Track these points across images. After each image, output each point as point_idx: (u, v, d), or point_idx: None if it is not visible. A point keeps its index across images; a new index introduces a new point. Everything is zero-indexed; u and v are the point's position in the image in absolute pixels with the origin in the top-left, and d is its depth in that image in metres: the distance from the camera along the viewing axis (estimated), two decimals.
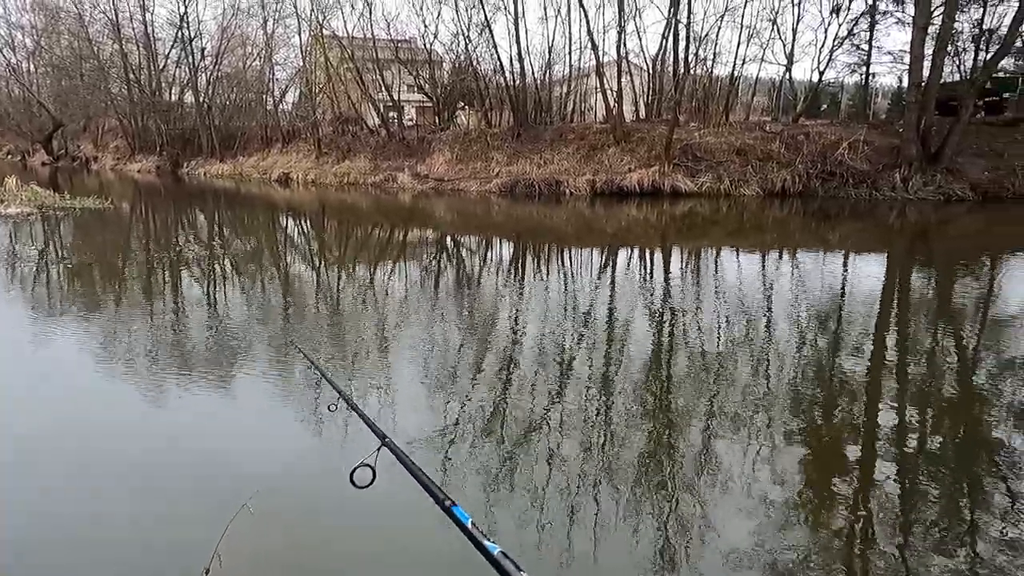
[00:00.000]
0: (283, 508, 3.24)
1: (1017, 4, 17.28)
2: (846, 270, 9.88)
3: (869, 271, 10.11)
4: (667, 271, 9.94)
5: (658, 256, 11.25)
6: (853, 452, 3.92)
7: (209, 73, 34.49)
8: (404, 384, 4.94)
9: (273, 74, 33.27)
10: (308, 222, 16.60)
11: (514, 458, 3.75)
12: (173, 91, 37.29)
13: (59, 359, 5.57)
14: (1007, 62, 22.49)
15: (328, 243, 13.29)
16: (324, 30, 28.33)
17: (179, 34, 33.92)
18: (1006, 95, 23.35)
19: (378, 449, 1.57)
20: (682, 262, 10.71)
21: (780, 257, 10.91)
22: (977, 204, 16.73)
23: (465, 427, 4.14)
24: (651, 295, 8.00)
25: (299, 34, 30.44)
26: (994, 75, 20.72)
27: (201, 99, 34.13)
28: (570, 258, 11.17)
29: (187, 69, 34.90)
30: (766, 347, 5.91)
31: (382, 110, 28.78)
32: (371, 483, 1.49)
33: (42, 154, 42.02)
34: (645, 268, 10.23)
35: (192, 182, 29.41)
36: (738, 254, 11.20)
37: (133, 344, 5.92)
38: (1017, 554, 2.86)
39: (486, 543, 1.13)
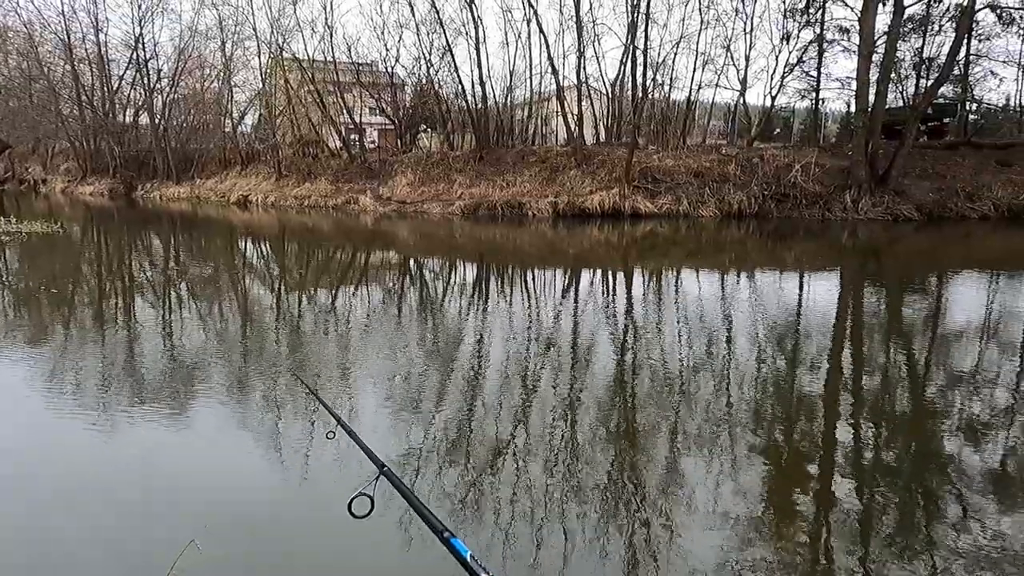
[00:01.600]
0: (279, 536, 3.15)
1: (954, 34, 18.23)
2: (802, 289, 10.14)
3: (823, 289, 10.40)
4: (629, 292, 10.05)
5: (620, 277, 11.38)
6: (812, 467, 3.99)
7: (165, 95, 33.89)
8: (373, 410, 4.86)
9: (232, 96, 32.89)
10: (270, 246, 16.33)
11: (477, 476, 3.71)
12: (127, 113, 36.51)
13: (22, 392, 5.32)
14: (946, 89, 23.62)
15: (292, 267, 13.08)
16: (284, 53, 28.18)
17: (134, 55, 33.31)
18: (946, 120, 24.51)
19: (376, 478, 1.55)
20: (644, 283, 10.86)
21: (738, 277, 11.15)
22: (923, 224, 17.40)
23: (436, 448, 4.09)
24: (614, 316, 8.07)
25: (259, 56, 30.21)
26: (935, 101, 21.73)
27: (156, 121, 33.48)
28: (534, 280, 11.21)
29: (142, 91, 34.23)
30: (727, 366, 6.00)
31: (343, 133, 28.67)
32: (369, 512, 1.47)
33: None
34: (608, 289, 10.33)
35: (147, 205, 28.72)
36: (698, 274, 11.40)
37: (110, 372, 5.70)
38: (971, 563, 2.93)
39: None
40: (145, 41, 32.86)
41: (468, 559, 1.17)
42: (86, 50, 34.36)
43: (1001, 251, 14.30)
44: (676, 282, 10.79)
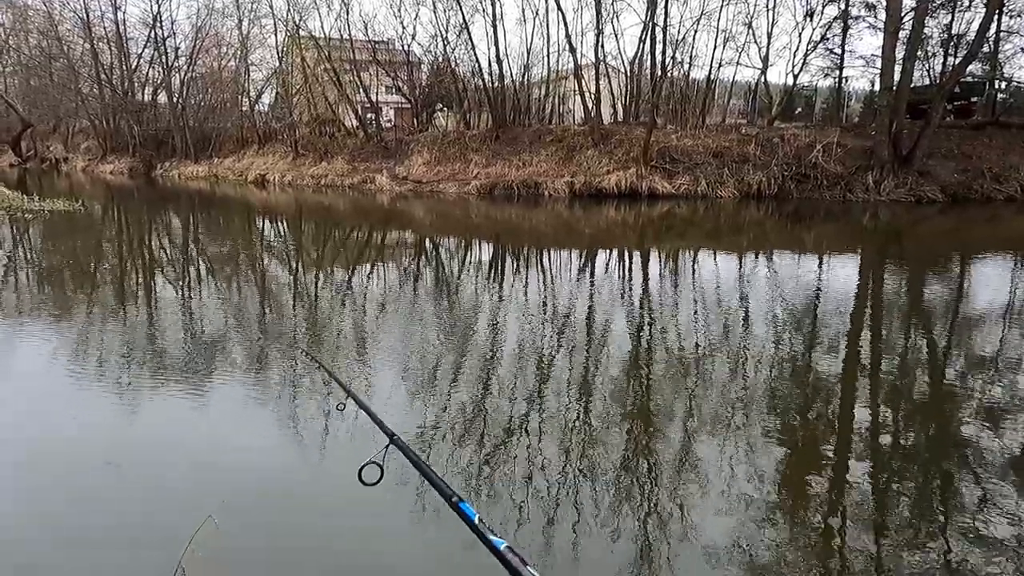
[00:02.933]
0: (288, 506, 3.22)
1: (984, 10, 17.71)
2: (821, 271, 10.01)
3: (844, 272, 10.26)
4: (646, 273, 9.99)
5: (637, 258, 11.31)
6: (829, 449, 3.96)
7: (183, 73, 34.02)
8: (389, 385, 4.90)
9: (248, 75, 32.94)
10: (287, 225, 16.42)
11: (490, 452, 3.73)
12: (146, 91, 36.73)
13: (48, 368, 5.43)
14: (975, 67, 23.00)
15: (311, 245, 13.15)
16: (301, 31, 28.09)
17: (152, 33, 33.43)
18: (974, 99, 23.90)
19: (387, 446, 1.59)
20: (661, 264, 10.78)
21: (757, 259, 11.03)
22: (947, 206, 17.07)
23: (450, 424, 4.11)
24: (631, 297, 8.04)
25: (275, 34, 30.17)
26: (962, 79, 21.19)
27: (175, 100, 33.66)
28: (550, 260, 11.18)
29: (160, 69, 34.40)
30: (745, 347, 5.96)
31: (360, 111, 28.63)
32: (379, 480, 1.51)
33: (10, 155, 41.11)
34: (625, 270, 10.28)
35: (166, 184, 28.96)
36: (715, 256, 11.29)
37: (130, 347, 5.79)
38: (987, 548, 2.90)
39: (492, 538, 1.13)
40: (163, 19, 32.99)
41: (476, 522, 1.19)
42: (105, 28, 34.59)
43: None
44: (693, 264, 10.70)
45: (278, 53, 30.81)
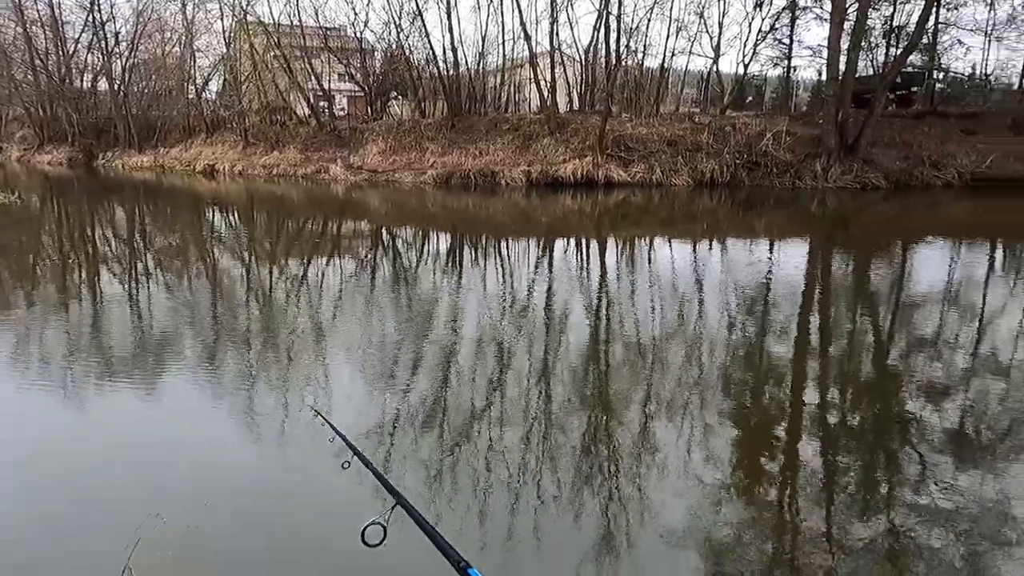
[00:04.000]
0: (287, 566, 2.92)
1: (923, 2, 18.34)
2: (772, 257, 10.27)
3: (793, 258, 10.55)
4: (603, 261, 10.09)
5: (594, 246, 11.40)
6: (780, 429, 4.08)
7: (124, 59, 32.67)
8: (347, 379, 4.83)
9: (195, 61, 31.85)
10: (238, 216, 15.99)
11: (451, 442, 3.73)
12: (85, 78, 35.19)
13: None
14: (915, 57, 23.84)
15: (262, 238, 12.84)
16: (248, 16, 27.28)
17: (90, 17, 31.98)
18: (914, 89, 24.80)
19: (392, 508, 1.54)
20: (617, 252, 10.89)
21: (710, 246, 11.25)
22: (890, 192, 17.70)
23: (410, 417, 4.09)
24: (588, 285, 8.10)
25: (221, 19, 29.22)
26: (903, 70, 21.94)
27: (116, 87, 32.31)
28: (508, 250, 11.18)
29: (100, 55, 32.96)
30: (698, 332, 6.08)
31: (312, 99, 28.01)
32: (382, 541, 1.47)
33: None
34: (582, 258, 10.35)
35: (109, 174, 27.87)
36: (670, 243, 11.47)
37: (71, 350, 5.56)
38: (929, 517, 3.04)
39: None
40: (101, 3, 31.56)
41: None
42: (38, 11, 32.95)
43: (964, 219, 14.63)
44: (649, 251, 10.85)
45: (225, 39, 29.90)
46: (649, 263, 9.75)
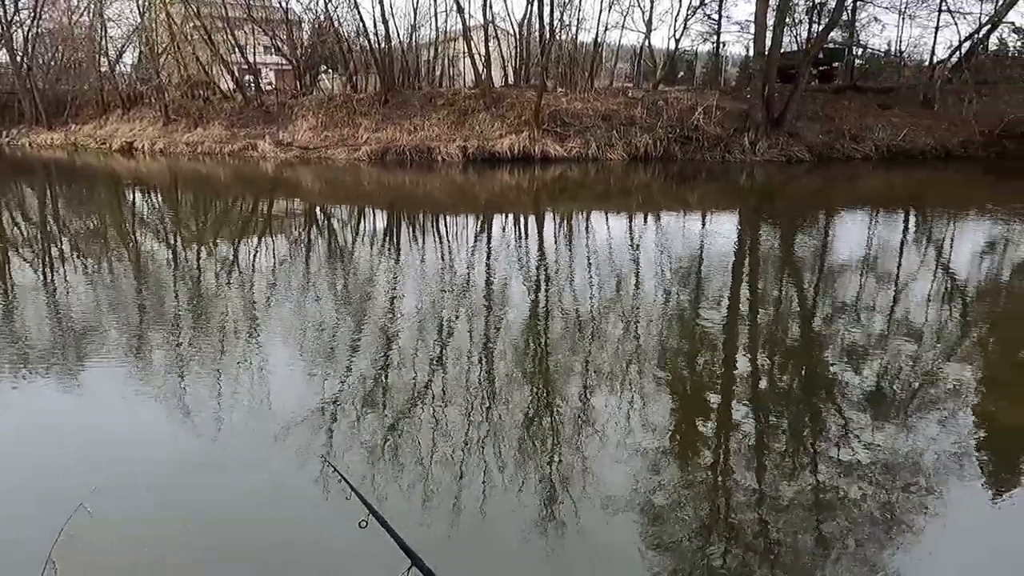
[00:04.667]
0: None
1: None
2: (704, 229, 10.57)
3: (723, 229, 10.89)
4: (541, 236, 10.15)
5: (532, 221, 11.45)
6: (714, 396, 4.25)
7: (26, 29, 30.35)
8: (286, 363, 4.72)
9: (106, 31, 29.85)
10: (160, 197, 15.24)
11: (393, 420, 3.72)
12: None
13: None
14: (835, 34, 24.73)
15: (187, 220, 12.29)
16: None
17: None
18: (835, 64, 25.77)
19: (408, 569, 1.52)
20: (555, 227, 10.98)
21: (645, 219, 11.47)
22: (814, 165, 18.44)
23: (351, 397, 4.04)
24: (526, 260, 8.15)
25: None
26: (825, 46, 22.74)
27: (18, 58, 30.05)
28: (446, 227, 11.09)
29: None
30: (635, 304, 6.22)
31: (237, 73, 26.79)
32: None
33: None
34: (520, 234, 10.38)
35: (15, 154, 26.04)
36: (607, 217, 11.64)
37: None
38: (850, 472, 3.24)
39: None
40: None
41: None
42: None
43: (880, 190, 15.40)
44: (586, 225, 10.98)
45: (139, 8, 28.15)
46: (587, 237, 9.87)
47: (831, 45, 24.71)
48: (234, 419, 3.82)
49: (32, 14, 30.24)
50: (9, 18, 29.85)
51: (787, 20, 21.46)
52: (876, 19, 26.86)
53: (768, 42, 19.30)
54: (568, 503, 3.03)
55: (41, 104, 29.34)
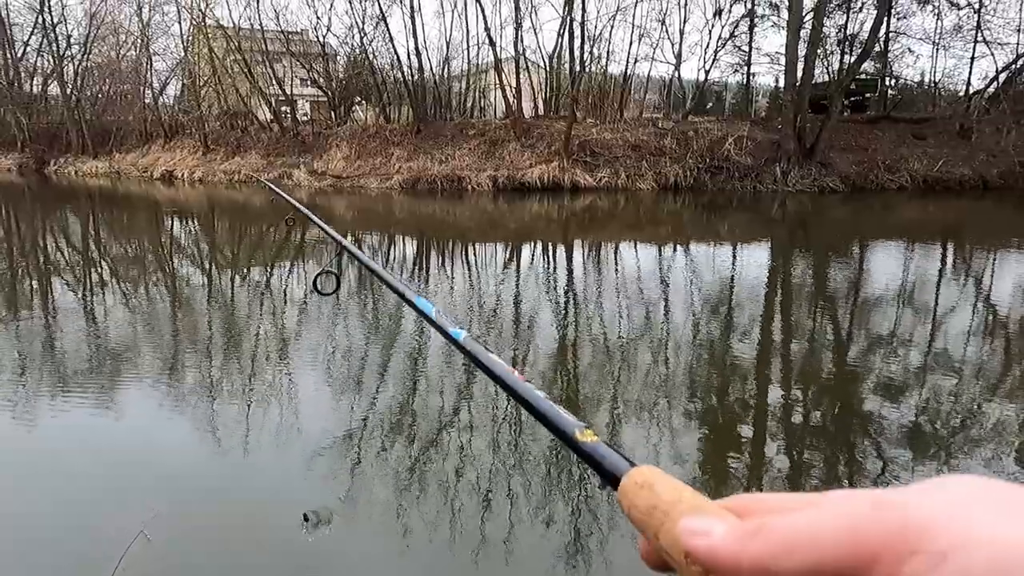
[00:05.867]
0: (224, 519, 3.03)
1: (875, 12, 18.94)
2: (735, 259, 10.46)
3: (756, 259, 10.76)
4: (570, 265, 10.14)
5: (561, 250, 11.46)
6: (747, 430, 4.15)
7: (77, 63, 31.76)
8: (313, 388, 4.76)
9: (151, 65, 31.12)
10: (199, 223, 15.64)
11: (422, 449, 3.70)
12: (35, 82, 34.09)
13: None
14: (868, 65, 24.58)
15: (223, 245, 12.58)
16: (208, 19, 26.78)
17: (40, 19, 31.02)
18: (868, 95, 25.56)
19: (338, 253, 1.57)
20: (584, 256, 10.97)
21: (675, 249, 11.40)
22: (847, 195, 18.19)
23: (381, 425, 4.05)
24: (556, 289, 8.14)
25: (179, 22, 28.64)
26: (857, 77, 22.61)
27: (68, 91, 31.39)
28: (476, 255, 11.16)
29: (51, 58, 31.98)
30: (665, 334, 6.15)
31: (274, 104, 27.61)
32: (336, 290, 1.49)
33: None
34: (549, 262, 10.39)
35: (62, 182, 27.03)
36: (636, 247, 11.60)
37: (34, 362, 5.35)
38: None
39: (451, 330, 1.05)
40: (51, 4, 30.65)
41: (433, 316, 1.13)
42: None
43: (917, 220, 15.11)
44: (615, 254, 10.95)
45: (183, 42, 29.31)
46: (617, 265, 9.84)
47: (863, 76, 24.55)
48: (293, 448, 3.85)
49: (83, 49, 31.66)
50: (61, 53, 31.29)
51: (818, 51, 21.41)
52: (910, 50, 26.57)
53: (799, 73, 19.27)
54: (596, 536, 2.97)
55: (88, 134, 30.51)
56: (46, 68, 33.28)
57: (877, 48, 23.69)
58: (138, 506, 3.12)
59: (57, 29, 31.01)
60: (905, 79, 28.75)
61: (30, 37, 32.67)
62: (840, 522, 0.25)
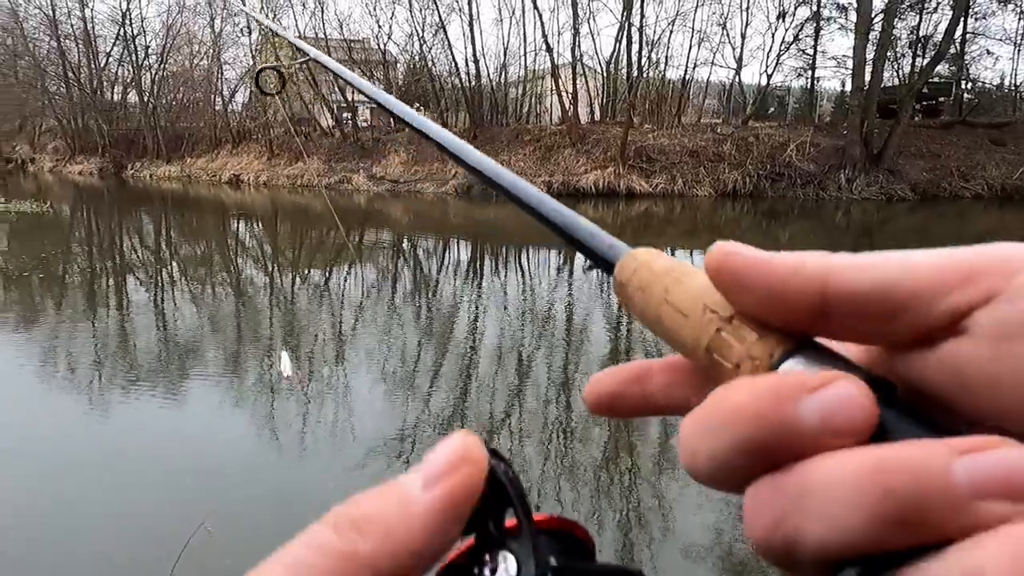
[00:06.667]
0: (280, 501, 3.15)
1: (951, 12, 18.13)
2: None
3: None
4: None
5: None
6: None
7: (154, 72, 33.42)
8: (369, 384, 4.87)
9: (222, 73, 32.44)
10: (262, 226, 16.22)
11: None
12: (115, 90, 36.03)
13: None
14: (942, 68, 23.53)
15: (285, 247, 13.01)
16: (274, 31, 27.70)
17: (121, 31, 32.80)
18: (941, 99, 24.44)
19: (305, 60, 1.31)
20: None
21: None
22: (917, 203, 17.43)
23: (434, 420, 4.11)
24: (609, 293, 8.08)
25: (248, 32, 29.79)
26: (930, 80, 21.65)
27: (146, 99, 33.05)
28: (529, 260, 11.20)
29: (130, 67, 33.78)
30: None
31: (336, 111, 28.38)
32: (282, 90, 1.35)
33: None
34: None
35: (137, 185, 28.46)
36: (691, 254, 11.40)
37: (106, 354, 5.67)
38: None
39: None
40: (132, 17, 32.38)
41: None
42: (72, 26, 33.82)
43: (994, 230, 14.35)
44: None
45: (251, 52, 30.44)
46: None
47: (937, 79, 23.49)
48: (350, 445, 3.95)
49: (159, 59, 33.29)
50: (140, 63, 32.97)
51: (888, 54, 20.62)
52: (988, 52, 25.31)
53: (867, 77, 18.60)
54: (644, 546, 2.94)
55: (162, 140, 32.03)
56: (126, 77, 35.16)
57: (953, 50, 22.65)
58: (202, 499, 3.26)
59: (136, 40, 32.76)
60: (983, 82, 27.40)
61: (112, 48, 34.60)
62: (930, 255, 0.20)
